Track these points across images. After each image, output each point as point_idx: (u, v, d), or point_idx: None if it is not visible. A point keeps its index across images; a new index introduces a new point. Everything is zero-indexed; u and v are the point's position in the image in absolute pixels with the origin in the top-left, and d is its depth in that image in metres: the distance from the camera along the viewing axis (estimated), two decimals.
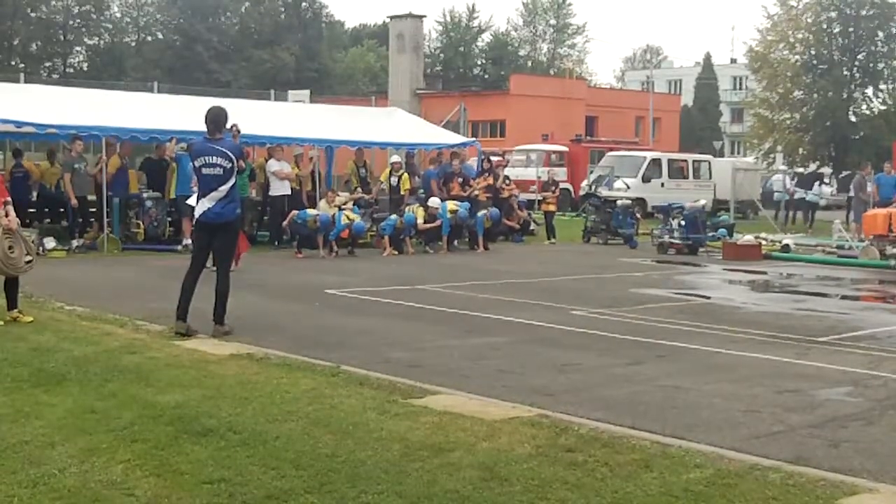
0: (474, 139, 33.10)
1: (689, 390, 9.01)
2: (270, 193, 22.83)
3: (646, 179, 39.67)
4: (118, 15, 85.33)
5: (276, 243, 22.67)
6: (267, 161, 22.73)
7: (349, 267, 19.36)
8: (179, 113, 21.76)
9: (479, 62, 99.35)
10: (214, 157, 11.11)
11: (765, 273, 20.31)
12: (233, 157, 11.11)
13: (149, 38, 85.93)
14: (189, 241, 20.69)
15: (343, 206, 22.69)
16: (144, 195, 22.37)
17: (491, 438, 7.06)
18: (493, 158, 28.52)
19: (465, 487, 5.99)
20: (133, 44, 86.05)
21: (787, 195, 39.06)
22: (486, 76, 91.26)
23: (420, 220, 22.93)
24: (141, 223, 21.97)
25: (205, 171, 11.19)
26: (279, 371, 9.14)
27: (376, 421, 7.44)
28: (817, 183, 44.95)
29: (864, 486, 6.22)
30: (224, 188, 11.10)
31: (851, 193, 31.33)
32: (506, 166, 30.42)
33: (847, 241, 25.23)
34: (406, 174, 24.61)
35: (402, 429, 7.24)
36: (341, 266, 19.48)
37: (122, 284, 16.04)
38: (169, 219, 22.66)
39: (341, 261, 20.53)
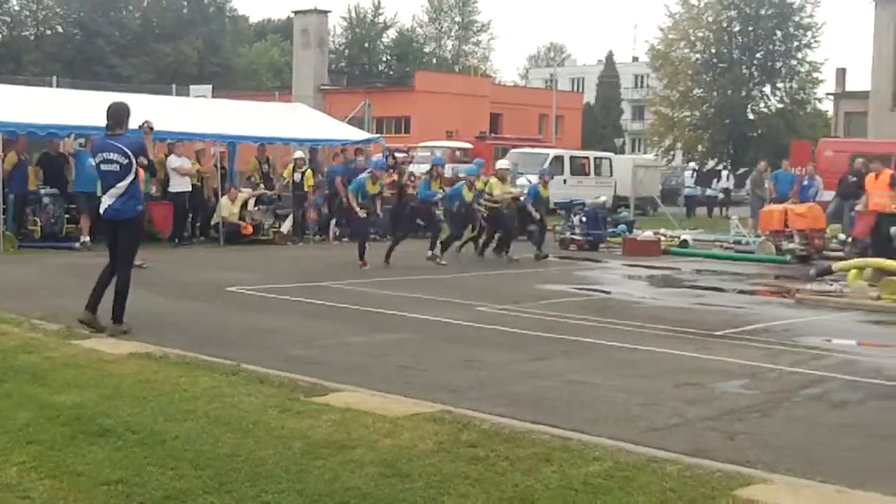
0: (379, 136, 32.97)
1: (590, 385, 9.10)
2: (170, 190, 22.49)
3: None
4: (17, 8, 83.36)
5: (177, 241, 22.35)
6: (167, 157, 22.39)
7: (251, 264, 19.18)
8: (79, 108, 21.31)
9: (384, 58, 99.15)
10: (112, 154, 10.98)
11: (664, 268, 20.61)
12: (130, 154, 10.95)
13: (48, 32, 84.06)
14: (87, 239, 20.40)
15: (245, 203, 22.47)
16: (42, 192, 21.88)
17: (393, 435, 7.05)
18: (398, 155, 28.49)
19: (366, 484, 5.97)
20: (32, 38, 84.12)
21: (698, 191, 39.77)
22: (391, 72, 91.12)
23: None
24: (38, 220, 21.49)
25: (103, 167, 11.07)
26: (178, 370, 9.02)
27: (277, 419, 7.38)
28: (715, 179, 45.90)
29: (759, 477, 6.35)
30: (122, 185, 10.96)
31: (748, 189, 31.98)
32: (411, 163, 30.39)
33: (744, 236, 25.72)
34: (310, 170, 24.45)
35: (303, 427, 7.19)
36: (242, 263, 19.29)
37: (18, 283, 15.66)
38: (67, 216, 22.19)
39: (242, 257, 20.33)
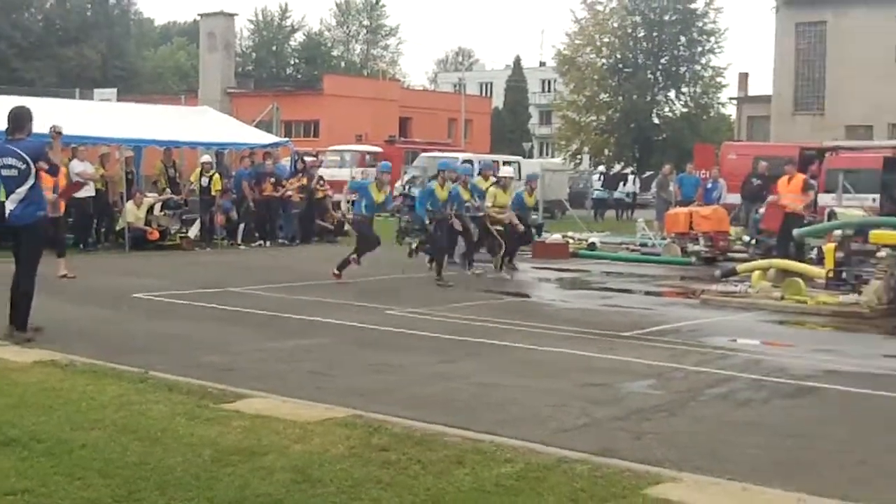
0: (287, 139, 32.82)
1: (501, 386, 9.16)
2: (73, 195, 22.06)
3: None
4: None
5: (82, 246, 21.96)
6: (70, 161, 21.98)
7: (158, 270, 18.93)
8: None
9: (291, 62, 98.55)
10: (10, 159, 10.84)
11: (572, 271, 20.80)
12: (28, 159, 10.78)
13: None
14: None
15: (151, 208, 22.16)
16: None
17: (304, 441, 7.01)
18: (307, 159, 28.36)
19: (277, 491, 5.93)
20: None
21: (606, 194, 40.19)
22: (300, 76, 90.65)
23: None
24: None
25: (4, 172, 10.92)
26: (85, 378, 8.86)
27: (186, 426, 7.29)
28: (622, 183, 46.49)
29: (668, 476, 6.44)
30: (21, 190, 10.79)
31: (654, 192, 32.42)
32: (320, 167, 30.25)
33: (650, 238, 26.08)
34: (217, 174, 24.20)
35: (212, 434, 7.12)
36: (149, 269, 19.02)
37: None
38: None
39: (149, 263, 20.04)
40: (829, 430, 7.90)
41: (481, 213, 19.33)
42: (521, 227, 19.83)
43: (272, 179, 25.45)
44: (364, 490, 5.99)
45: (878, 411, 8.68)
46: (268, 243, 24.84)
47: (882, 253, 15.07)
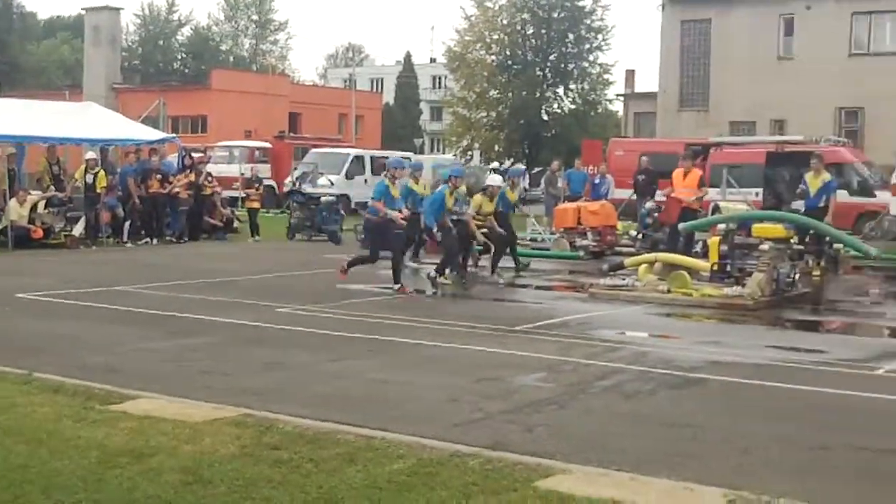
0: (174, 135, 32.33)
1: (393, 383, 9.16)
2: None
3: (349, 176, 40.04)
4: None
5: None
6: None
7: (42, 269, 18.51)
8: None
9: (179, 57, 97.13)
10: None
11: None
12: None
13: None
14: None
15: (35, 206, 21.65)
16: None
17: (193, 441, 6.93)
18: (195, 155, 27.99)
19: (166, 492, 5.86)
20: None
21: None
22: (187, 71, 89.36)
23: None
24: None
25: None
26: None
27: (72, 429, 7.15)
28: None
29: (559, 468, 6.53)
30: None
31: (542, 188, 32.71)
32: (208, 163, 29.87)
33: (540, 233, 26.32)
34: (102, 171, 23.73)
35: (99, 435, 7.00)
36: (33, 267, 18.60)
37: None
38: None
39: (32, 262, 19.59)
40: (714, 420, 8.07)
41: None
42: (502, 231, 19.08)
43: (159, 176, 25.05)
44: (255, 489, 5.95)
45: (761, 401, 8.90)
46: (155, 241, 24.46)
47: (765, 246, 15.45)
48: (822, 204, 19.51)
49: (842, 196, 21.96)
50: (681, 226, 18.93)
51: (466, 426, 7.65)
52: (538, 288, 17.54)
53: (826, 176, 20.04)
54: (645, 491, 6.17)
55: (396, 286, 15.94)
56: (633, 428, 7.74)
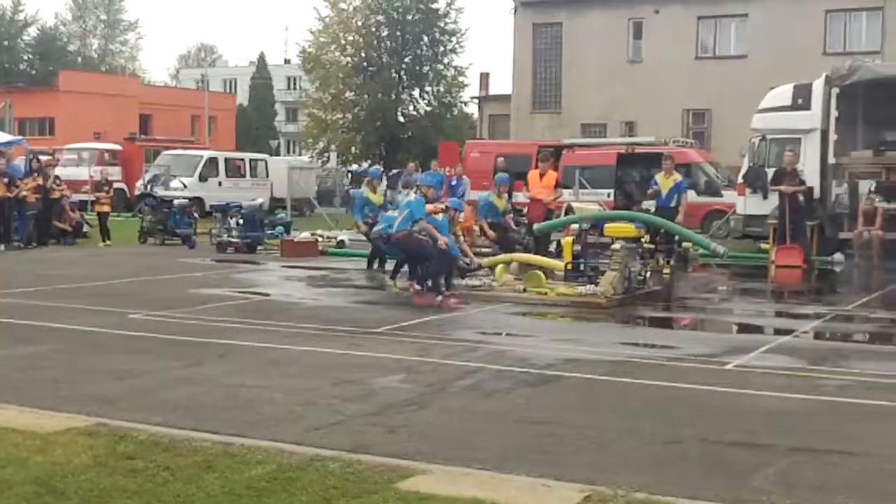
0: (21, 137, 31.44)
1: (250, 387, 9.05)
2: None
3: (203, 178, 39.51)
4: None
5: None
6: None
7: None
8: None
9: (25, 57, 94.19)
10: None
11: (322, 269, 20.79)
12: None
13: None
14: None
15: None
16: None
17: (45, 452, 6.72)
18: (43, 158, 27.23)
19: None
20: None
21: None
22: (34, 72, 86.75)
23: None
24: None
25: None
26: None
27: None
28: None
29: (419, 469, 6.53)
30: None
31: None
32: (56, 166, 29.08)
33: None
34: None
35: None
36: None
37: None
38: None
39: None
40: (571, 416, 8.19)
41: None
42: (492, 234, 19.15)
43: (5, 179, 24.26)
44: (111, 500, 5.81)
45: (616, 397, 9.06)
46: (2, 246, 23.67)
47: (616, 245, 15.76)
48: (673, 204, 20.03)
49: (690, 196, 22.51)
50: (535, 226, 19.19)
51: (326, 429, 7.60)
52: (398, 289, 17.51)
53: (677, 176, 20.58)
54: (505, 488, 6.22)
55: (439, 297, 15.30)
56: (492, 426, 7.80)
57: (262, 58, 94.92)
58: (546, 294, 15.57)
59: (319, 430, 7.58)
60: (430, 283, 15.51)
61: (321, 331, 12.37)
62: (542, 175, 20.93)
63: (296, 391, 8.90)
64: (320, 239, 25.27)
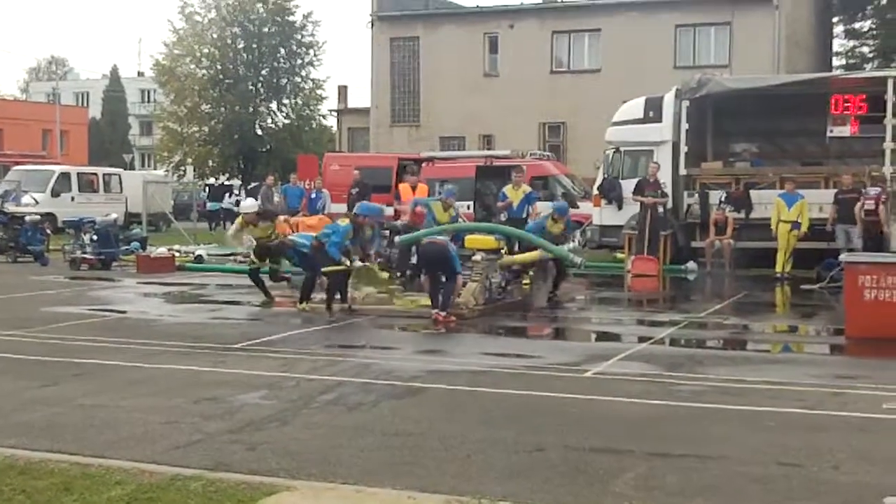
0: None
1: (108, 407, 8.85)
2: None
3: (55, 194, 38.46)
4: None
5: None
6: None
7: None
8: None
9: None
10: None
11: (179, 285, 20.45)
12: None
13: None
14: None
15: None
16: None
17: None
18: None
19: None
20: None
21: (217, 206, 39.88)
22: None
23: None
24: None
25: None
26: None
27: None
28: (227, 194, 46.34)
29: (283, 485, 6.48)
30: None
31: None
32: None
33: None
34: None
35: None
36: None
37: None
38: None
39: None
40: (435, 427, 8.22)
41: None
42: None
43: None
44: None
45: (478, 407, 9.13)
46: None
47: (477, 257, 15.90)
48: (524, 215, 20.34)
49: (548, 208, 22.79)
50: (397, 239, 19.22)
51: (186, 448, 7.48)
52: (257, 305, 17.35)
53: (526, 188, 20.89)
54: (369, 502, 6.22)
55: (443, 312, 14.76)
56: (356, 440, 7.78)
57: (115, 70, 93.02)
58: (409, 306, 15.61)
59: (180, 448, 7.46)
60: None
61: (181, 348, 12.16)
62: (413, 188, 21.03)
63: (155, 410, 8.73)
64: (177, 254, 24.87)
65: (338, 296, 15.78)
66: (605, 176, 24.72)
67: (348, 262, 15.47)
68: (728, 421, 8.54)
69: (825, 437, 7.92)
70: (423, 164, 29.87)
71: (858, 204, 20.22)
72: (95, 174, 42.62)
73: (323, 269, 15.78)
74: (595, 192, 25.28)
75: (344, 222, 16.05)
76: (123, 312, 16.17)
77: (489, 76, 41.90)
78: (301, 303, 15.97)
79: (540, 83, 40.22)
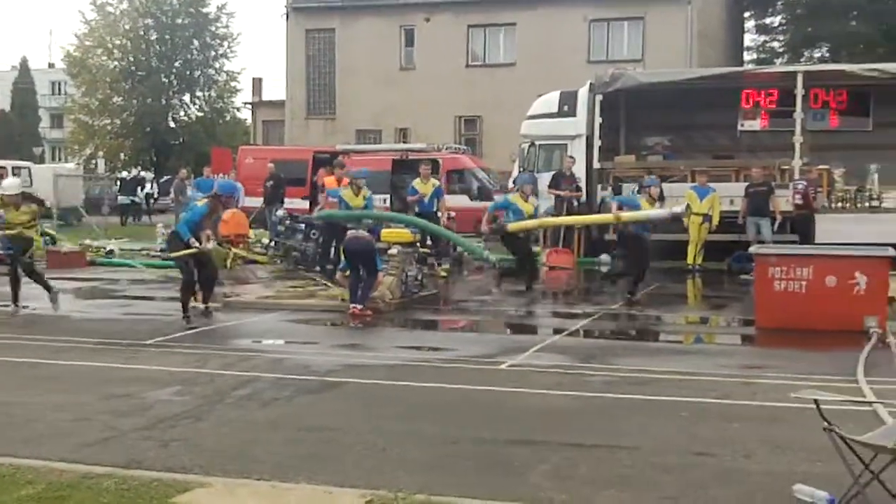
0: None
1: (16, 405, 8.69)
2: None
3: None
4: None
5: None
6: None
7: None
8: None
9: None
10: None
11: (91, 280, 20.13)
12: None
13: None
14: None
15: None
16: None
17: None
18: None
19: None
20: None
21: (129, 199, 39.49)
22: None
23: None
24: None
25: None
26: None
27: None
28: (140, 187, 45.73)
29: (197, 482, 6.42)
30: None
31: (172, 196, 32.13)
32: None
33: None
34: None
35: None
36: None
37: None
38: None
39: None
40: (351, 422, 8.20)
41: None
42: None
43: None
44: None
45: (394, 400, 9.13)
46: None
47: (393, 250, 15.89)
48: (435, 208, 20.38)
49: (463, 201, 22.94)
50: (317, 212, 19.10)
51: (98, 446, 7.37)
52: (170, 299, 17.11)
53: (435, 181, 20.95)
54: (286, 498, 6.18)
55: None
56: (271, 435, 7.73)
57: (24, 62, 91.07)
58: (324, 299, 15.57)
59: (91, 446, 7.35)
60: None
61: (92, 344, 11.98)
62: (339, 181, 20.90)
63: (66, 407, 8.59)
64: (89, 249, 24.46)
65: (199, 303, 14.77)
66: (521, 169, 24.84)
67: (198, 245, 14.16)
68: (641, 411, 8.64)
69: (736, 426, 8.05)
70: (339, 158, 29.77)
71: (786, 197, 20.52)
72: (4, 168, 41.68)
73: (171, 255, 14.96)
74: (511, 185, 25.41)
75: (202, 203, 14.80)
76: (33, 308, 15.83)
77: (405, 69, 41.88)
78: (184, 311, 14.15)
79: (456, 77, 40.31)
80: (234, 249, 22.21)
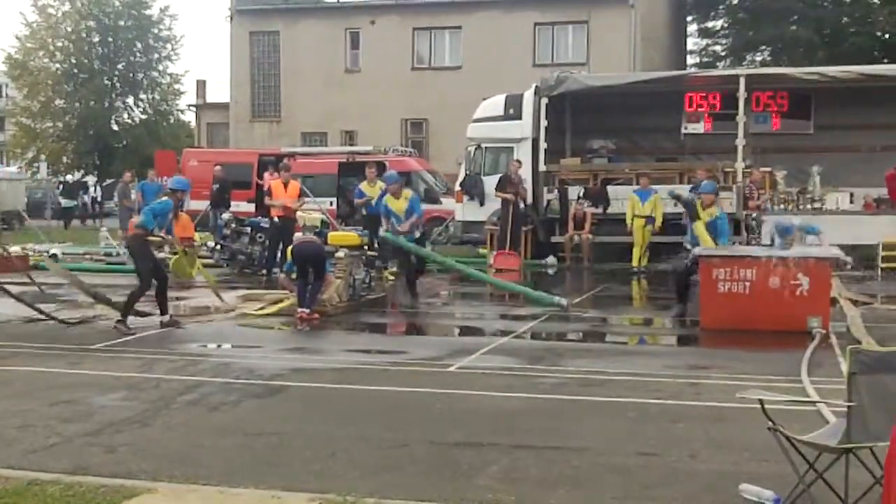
0: None
1: None
2: None
3: None
4: None
5: None
6: None
7: None
8: None
9: None
10: None
11: (34, 284, 19.84)
12: None
13: None
14: None
15: None
16: None
17: None
18: None
19: None
20: None
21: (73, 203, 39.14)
22: None
23: None
24: None
25: None
26: None
27: None
28: (82, 191, 45.26)
29: (144, 487, 6.38)
30: None
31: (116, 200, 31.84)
32: None
33: (115, 247, 25.52)
34: None
35: None
36: None
37: None
38: None
39: None
40: (299, 426, 8.19)
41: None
42: None
43: None
44: None
45: (343, 404, 9.12)
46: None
47: (340, 253, 15.85)
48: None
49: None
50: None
51: (43, 452, 7.29)
52: (114, 304, 16.95)
53: (381, 184, 20.92)
54: (234, 503, 6.15)
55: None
56: (218, 440, 7.69)
57: None
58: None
59: (37, 452, 7.27)
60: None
61: (36, 349, 11.84)
62: (285, 184, 20.81)
63: (10, 413, 8.49)
64: (32, 253, 24.15)
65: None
66: (467, 172, 24.92)
67: (163, 236, 14.14)
68: (588, 412, 8.70)
69: (682, 426, 8.13)
70: (285, 160, 29.66)
71: (730, 199, 20.76)
72: None
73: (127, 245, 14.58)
74: (457, 188, 25.46)
75: (165, 198, 14.65)
76: None
77: (351, 72, 41.80)
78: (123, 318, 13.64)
79: (402, 79, 40.31)
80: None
